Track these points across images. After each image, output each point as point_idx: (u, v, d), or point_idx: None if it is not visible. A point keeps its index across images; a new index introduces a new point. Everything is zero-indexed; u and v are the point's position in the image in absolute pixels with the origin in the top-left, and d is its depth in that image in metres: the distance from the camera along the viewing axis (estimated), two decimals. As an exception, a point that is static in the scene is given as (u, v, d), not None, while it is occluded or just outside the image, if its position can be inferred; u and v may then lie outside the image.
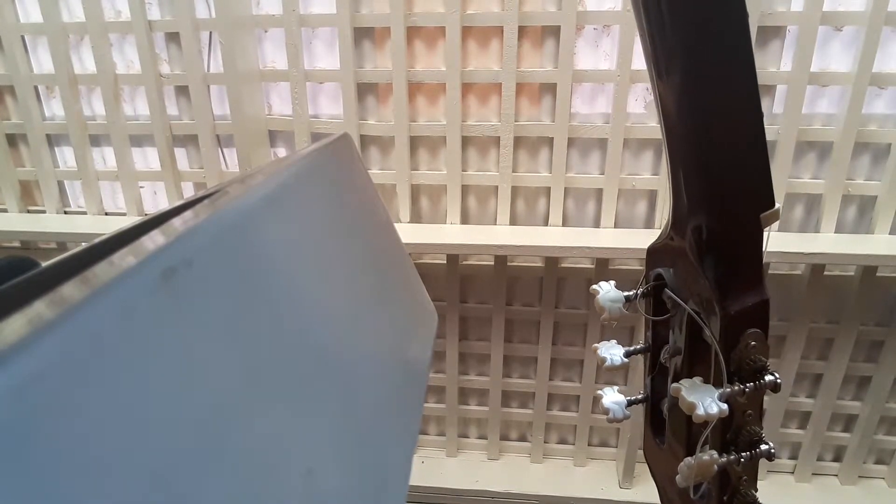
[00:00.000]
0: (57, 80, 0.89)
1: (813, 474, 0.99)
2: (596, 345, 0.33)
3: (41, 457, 0.10)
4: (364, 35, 0.85)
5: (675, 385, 0.26)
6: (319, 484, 0.19)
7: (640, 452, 0.97)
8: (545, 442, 1.03)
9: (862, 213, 0.86)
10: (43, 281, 0.19)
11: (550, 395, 0.99)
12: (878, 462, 0.98)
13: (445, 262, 0.90)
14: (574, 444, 1.02)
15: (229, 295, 0.17)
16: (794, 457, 0.99)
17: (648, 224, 0.89)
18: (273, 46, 0.88)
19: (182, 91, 0.91)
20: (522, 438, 1.05)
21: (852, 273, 0.87)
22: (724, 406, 0.25)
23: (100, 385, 0.12)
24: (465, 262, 0.92)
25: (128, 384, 0.13)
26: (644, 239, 0.84)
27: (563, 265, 0.90)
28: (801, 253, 0.79)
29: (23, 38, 0.89)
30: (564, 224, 0.90)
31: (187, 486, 0.13)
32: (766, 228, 0.26)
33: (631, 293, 0.31)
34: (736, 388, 0.26)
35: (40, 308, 0.12)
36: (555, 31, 0.81)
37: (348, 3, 0.80)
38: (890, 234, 0.83)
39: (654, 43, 0.24)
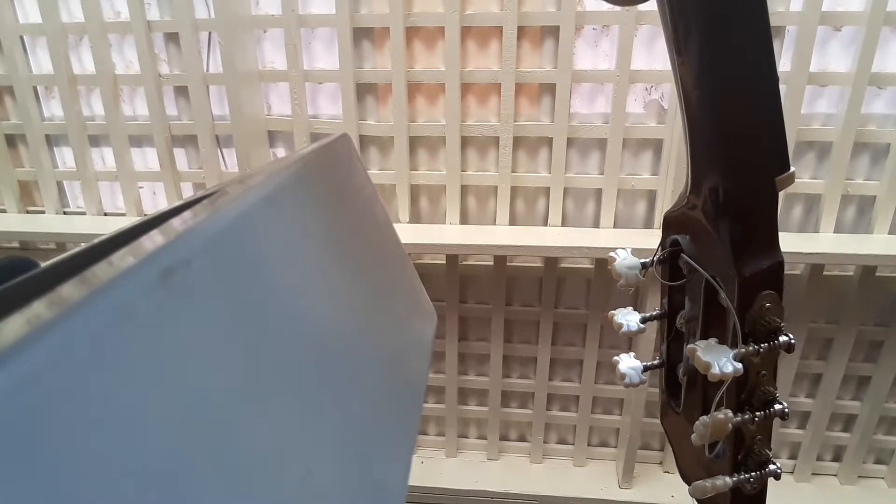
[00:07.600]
0: (56, 80, 0.88)
1: (813, 474, 0.99)
2: (612, 311, 0.33)
3: (41, 457, 0.10)
4: (363, 35, 0.85)
5: (690, 346, 0.26)
6: (319, 484, 0.19)
7: (640, 452, 0.97)
8: (545, 442, 1.03)
9: (861, 212, 0.86)
10: (42, 281, 0.19)
11: (550, 395, 0.99)
12: (877, 462, 0.98)
13: (445, 262, 0.90)
14: (574, 445, 1.02)
15: (228, 295, 0.17)
16: (793, 457, 0.99)
17: (648, 224, 0.89)
18: (272, 47, 0.88)
19: (181, 91, 0.91)
20: (522, 438, 1.05)
21: (851, 273, 0.87)
22: (739, 365, 0.25)
23: (99, 385, 0.12)
24: (464, 263, 0.92)
25: (127, 384, 0.13)
26: (644, 239, 0.85)
27: (562, 265, 0.90)
28: (801, 253, 0.79)
29: (22, 38, 0.89)
30: (564, 224, 0.90)
31: (187, 486, 0.14)
32: (781, 192, 0.26)
33: (647, 260, 0.32)
34: (751, 348, 0.26)
35: (40, 308, 0.12)
36: (554, 32, 0.81)
37: (348, 3, 0.80)
38: (889, 233, 0.83)
39: (673, 20, 0.25)
